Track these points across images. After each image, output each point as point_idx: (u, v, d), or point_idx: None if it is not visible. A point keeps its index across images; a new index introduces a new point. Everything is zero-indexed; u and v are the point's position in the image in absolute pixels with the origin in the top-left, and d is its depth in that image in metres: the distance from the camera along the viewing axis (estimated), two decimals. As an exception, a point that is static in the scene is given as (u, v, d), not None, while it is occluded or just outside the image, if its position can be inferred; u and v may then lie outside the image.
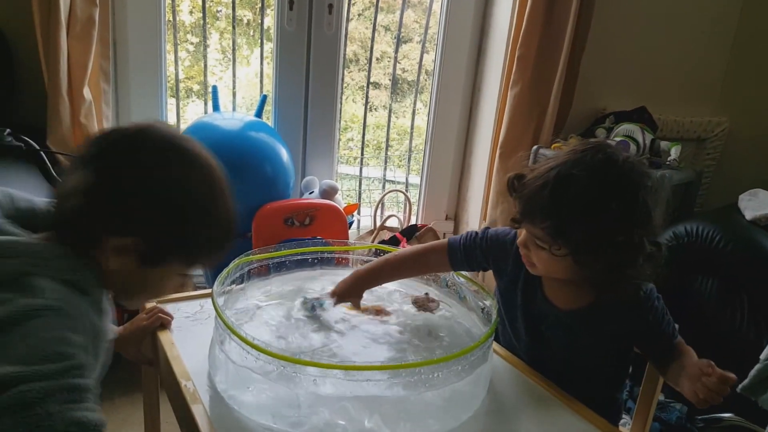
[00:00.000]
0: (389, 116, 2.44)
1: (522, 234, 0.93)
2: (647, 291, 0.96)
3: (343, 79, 2.12)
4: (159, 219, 0.67)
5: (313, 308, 1.03)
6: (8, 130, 1.21)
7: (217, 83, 1.98)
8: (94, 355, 0.64)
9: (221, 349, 0.82)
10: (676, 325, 0.99)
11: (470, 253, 1.05)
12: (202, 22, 2.13)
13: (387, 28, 2.85)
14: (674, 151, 1.78)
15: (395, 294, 1.15)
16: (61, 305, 0.61)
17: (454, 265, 1.07)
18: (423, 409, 0.80)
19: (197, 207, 0.69)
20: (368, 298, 1.09)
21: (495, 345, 1.03)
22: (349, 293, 1.05)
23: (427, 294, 1.12)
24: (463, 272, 1.09)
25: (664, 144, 1.82)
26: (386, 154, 2.49)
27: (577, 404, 0.90)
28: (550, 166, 0.88)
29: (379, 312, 1.05)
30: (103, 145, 0.68)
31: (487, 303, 0.98)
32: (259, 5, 2.17)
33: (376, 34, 2.29)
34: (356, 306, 1.05)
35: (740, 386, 1.44)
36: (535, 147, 1.84)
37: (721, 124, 2.10)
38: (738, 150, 2.12)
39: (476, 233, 1.07)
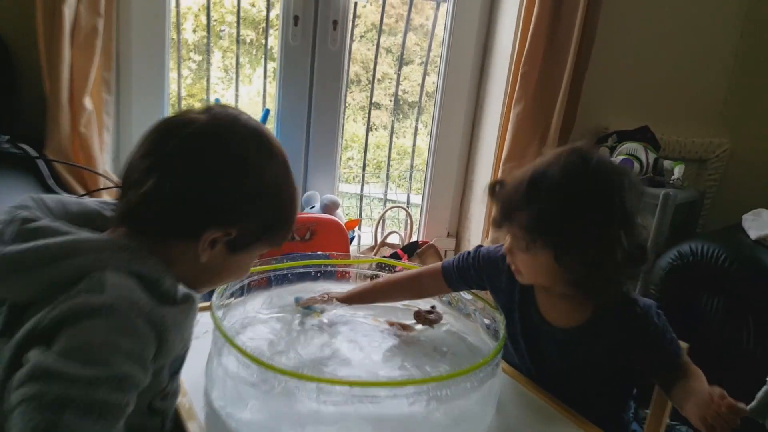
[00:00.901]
0: (391, 135, 2.45)
1: (506, 241, 0.93)
2: (645, 306, 0.94)
3: (346, 96, 2.12)
4: (253, 207, 0.67)
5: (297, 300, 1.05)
6: (6, 137, 1.19)
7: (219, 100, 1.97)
8: (155, 356, 0.60)
9: (219, 364, 0.79)
10: (684, 344, 0.97)
11: (464, 273, 1.05)
12: (205, 40, 2.14)
13: (388, 50, 2.88)
14: (677, 171, 1.77)
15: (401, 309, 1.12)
16: (119, 304, 0.57)
17: (452, 286, 1.07)
18: (430, 429, 0.77)
19: (281, 190, 0.69)
20: (375, 311, 1.06)
21: (504, 364, 1.00)
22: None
23: (433, 307, 1.09)
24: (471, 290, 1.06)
25: (667, 163, 1.81)
26: (387, 171, 2.48)
27: (588, 424, 0.87)
28: (527, 168, 0.90)
29: (404, 327, 1.02)
30: (185, 137, 0.65)
31: (496, 317, 0.95)
32: (262, 25, 2.18)
33: (374, 56, 2.31)
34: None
35: (747, 408, 1.41)
36: (538, 164, 1.83)
37: (723, 145, 2.10)
38: (739, 171, 2.11)
39: (468, 253, 1.07)
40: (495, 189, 0.93)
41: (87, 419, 0.50)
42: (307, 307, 1.05)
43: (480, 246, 1.07)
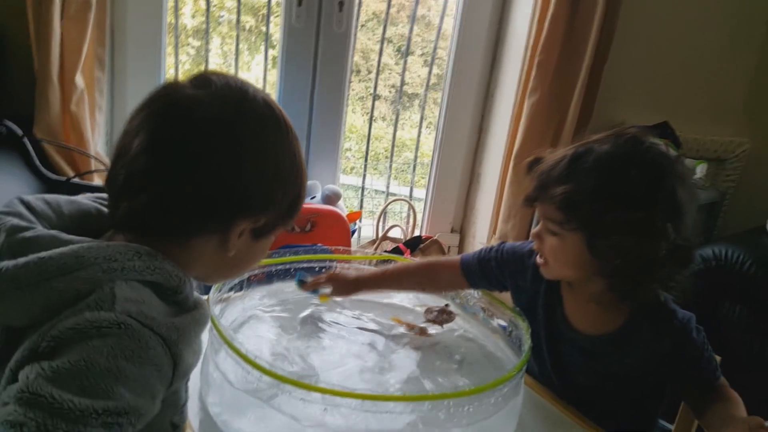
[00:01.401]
0: (395, 126, 2.37)
1: (537, 227, 0.86)
2: (684, 319, 0.85)
3: (350, 81, 2.03)
4: (279, 189, 0.60)
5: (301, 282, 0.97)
6: (-11, 113, 1.10)
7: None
8: (164, 385, 0.52)
9: (216, 367, 0.71)
10: (716, 357, 0.89)
11: (485, 267, 0.96)
12: (203, 26, 2.06)
13: (389, 41, 2.80)
14: (700, 170, 1.70)
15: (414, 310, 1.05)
16: (130, 322, 0.48)
17: (470, 280, 0.98)
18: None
19: (299, 166, 0.63)
20: (384, 310, 0.99)
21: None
22: (344, 286, 0.98)
23: (447, 305, 1.01)
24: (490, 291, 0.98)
25: (689, 162, 1.74)
26: (390, 163, 2.41)
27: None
28: (570, 146, 0.83)
29: (423, 332, 0.95)
30: (193, 125, 0.56)
31: (517, 323, 0.87)
32: (262, 12, 2.10)
33: (377, 46, 2.23)
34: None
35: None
36: (552, 159, 1.76)
37: (743, 144, 2.04)
38: (759, 172, 2.05)
39: (492, 247, 0.99)
40: (533, 164, 0.85)
41: None
42: (312, 291, 0.98)
43: (503, 242, 0.99)
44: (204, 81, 0.58)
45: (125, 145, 0.56)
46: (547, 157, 0.85)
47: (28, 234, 0.52)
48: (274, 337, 0.86)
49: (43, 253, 0.50)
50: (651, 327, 0.84)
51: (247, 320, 0.91)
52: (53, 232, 0.53)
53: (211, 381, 0.75)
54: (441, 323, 0.98)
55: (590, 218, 0.77)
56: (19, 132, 1.15)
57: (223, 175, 0.55)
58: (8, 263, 0.49)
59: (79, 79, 1.46)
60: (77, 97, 1.45)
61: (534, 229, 0.87)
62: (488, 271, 0.96)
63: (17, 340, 0.49)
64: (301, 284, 0.98)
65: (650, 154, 0.79)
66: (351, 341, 0.91)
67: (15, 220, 0.53)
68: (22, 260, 0.49)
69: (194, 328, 0.56)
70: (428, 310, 0.99)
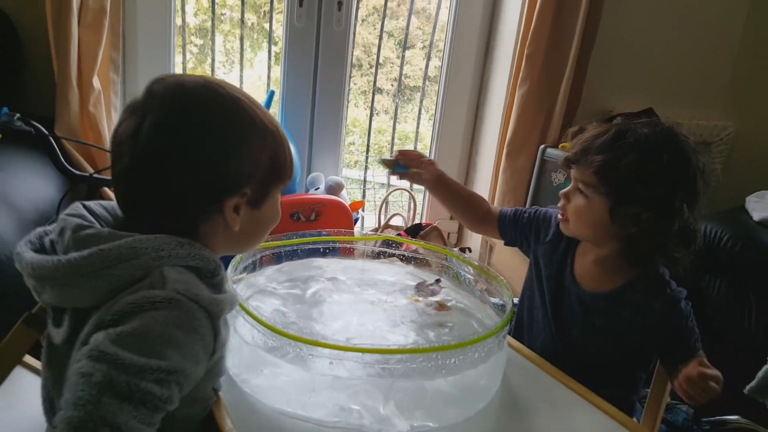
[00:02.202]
0: (395, 119, 2.45)
1: (567, 188, 0.98)
2: (675, 290, 0.96)
3: (350, 77, 2.12)
4: (256, 160, 0.65)
5: (396, 166, 1.08)
6: (17, 115, 1.20)
7: (224, 78, 1.97)
8: (207, 353, 0.60)
9: (235, 332, 0.81)
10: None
11: (519, 218, 1.11)
12: (208, 24, 2.13)
13: (390, 34, 2.86)
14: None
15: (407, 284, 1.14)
16: (180, 297, 0.57)
17: (500, 226, 1.13)
18: (438, 398, 0.79)
19: (268, 130, 0.66)
20: (383, 287, 1.08)
21: (509, 338, 1.02)
22: (432, 172, 1.10)
23: (438, 280, 1.11)
24: (483, 267, 1.07)
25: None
26: (392, 152, 2.48)
27: (594, 396, 0.89)
28: (614, 123, 0.95)
29: (441, 306, 1.04)
30: (162, 119, 0.62)
31: (504, 296, 0.97)
32: (263, 8, 2.18)
33: (378, 40, 2.30)
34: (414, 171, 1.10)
35: (748, 388, 1.43)
36: (542, 146, 1.84)
37: (727, 128, 2.10)
38: (743, 154, 2.12)
39: (528, 207, 1.15)
40: (577, 133, 0.98)
41: (126, 405, 0.51)
42: (398, 166, 1.08)
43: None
44: (148, 90, 0.64)
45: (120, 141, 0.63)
46: (589, 129, 0.97)
47: (89, 231, 0.61)
48: (285, 308, 0.96)
49: (104, 246, 0.59)
50: (645, 291, 0.95)
51: (260, 294, 1.00)
52: (110, 229, 0.62)
53: (230, 346, 0.84)
54: (431, 295, 1.08)
55: (620, 187, 0.90)
56: (45, 132, 1.25)
57: (201, 159, 0.62)
58: (75, 255, 0.59)
59: (96, 82, 1.55)
60: (95, 98, 1.55)
61: (564, 190, 0.99)
62: (519, 222, 1.11)
63: (84, 320, 0.59)
64: (383, 161, 1.09)
65: (681, 144, 0.91)
66: (354, 308, 1.00)
67: (78, 220, 0.62)
68: (86, 252, 0.58)
69: (228, 307, 0.65)
70: (421, 284, 1.09)
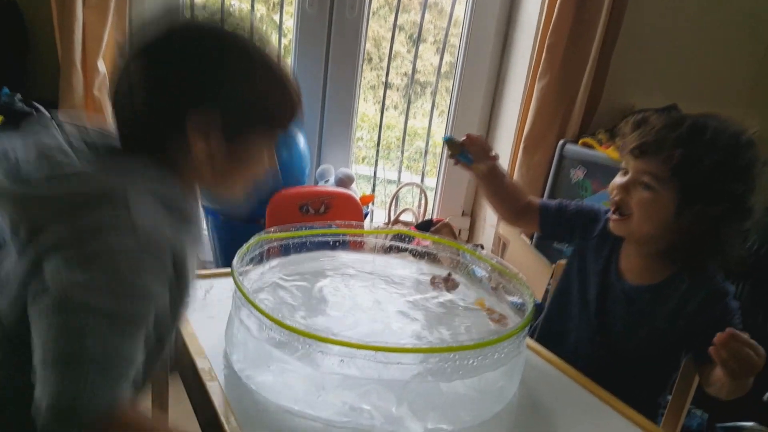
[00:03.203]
0: (407, 113, 2.40)
1: (624, 178, 0.92)
2: (724, 285, 0.93)
3: (363, 67, 2.07)
4: (228, 81, 0.63)
5: (461, 153, 1.01)
6: (18, 96, 1.16)
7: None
8: (175, 282, 0.61)
9: (240, 326, 0.77)
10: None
11: (563, 211, 1.06)
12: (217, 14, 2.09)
13: (400, 28, 2.81)
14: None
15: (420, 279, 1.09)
16: (143, 223, 0.56)
17: (542, 218, 1.07)
18: (453, 400, 0.74)
19: (258, 63, 0.65)
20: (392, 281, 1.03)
21: (528, 340, 0.97)
22: (482, 154, 1.04)
23: (449, 274, 1.06)
24: (501, 264, 1.02)
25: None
26: (402, 148, 2.44)
27: (613, 399, 0.84)
28: (673, 115, 0.91)
29: (502, 318, 0.98)
30: (149, 35, 0.65)
31: (524, 295, 0.92)
32: (273, 0, 2.13)
33: (388, 34, 2.26)
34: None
35: (767, 395, 1.37)
36: (561, 141, 1.79)
37: (752, 127, 2.03)
38: None
39: (572, 201, 1.10)
40: (641, 122, 0.92)
41: (111, 328, 0.51)
42: (463, 154, 1.02)
43: None
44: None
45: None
46: (652, 118, 0.92)
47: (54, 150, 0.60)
48: (293, 302, 0.92)
49: (63, 162, 0.58)
50: (691, 284, 0.92)
51: (268, 287, 0.96)
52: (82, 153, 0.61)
53: (235, 340, 0.80)
54: (447, 290, 1.03)
55: (696, 183, 0.85)
56: (47, 114, 1.21)
57: (161, 67, 0.62)
58: (40, 174, 0.57)
59: (101, 65, 1.51)
60: (99, 82, 1.51)
61: (620, 181, 0.93)
62: (563, 215, 1.06)
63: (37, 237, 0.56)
64: (451, 142, 1.02)
65: (751, 138, 0.89)
66: (365, 303, 0.96)
67: (47, 140, 0.61)
68: (47, 169, 0.57)
69: (191, 240, 0.64)
70: (433, 279, 1.04)
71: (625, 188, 0.92)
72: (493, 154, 1.05)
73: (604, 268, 1.00)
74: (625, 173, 0.93)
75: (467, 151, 1.02)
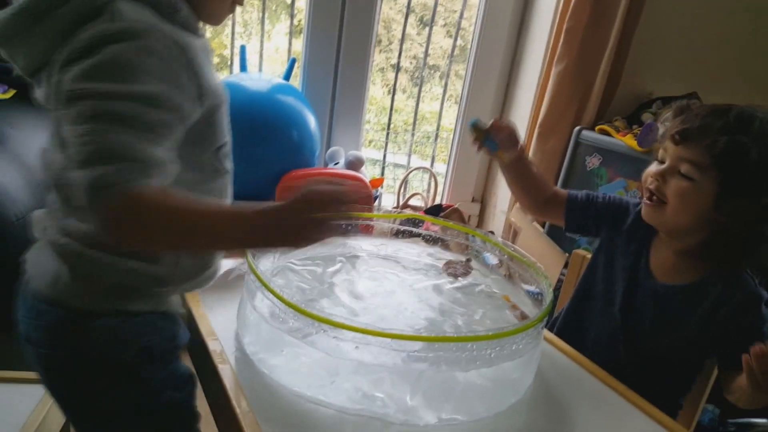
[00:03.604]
0: (418, 97, 2.36)
1: (661, 166, 0.89)
2: (759, 290, 0.89)
3: (375, 47, 2.03)
4: None
5: (486, 139, 0.97)
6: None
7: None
8: (198, 93, 0.62)
9: (253, 309, 0.76)
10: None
11: (591, 203, 1.02)
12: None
13: (411, 10, 2.76)
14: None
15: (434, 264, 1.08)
16: (138, 26, 0.57)
17: (568, 210, 1.03)
18: (469, 390, 0.73)
19: None
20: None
21: (545, 332, 0.96)
22: (509, 142, 0.99)
23: (468, 260, 1.04)
24: (517, 252, 1.00)
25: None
26: (413, 132, 2.42)
27: (631, 393, 0.83)
28: (724, 104, 0.86)
29: (524, 317, 0.97)
30: None
31: (541, 285, 0.90)
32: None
33: (398, 16, 2.21)
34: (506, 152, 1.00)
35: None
36: (577, 128, 1.75)
37: (771, 118, 2.00)
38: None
39: (600, 192, 1.06)
40: (684, 109, 0.89)
41: (124, 128, 0.54)
42: (488, 140, 0.97)
43: None
44: None
45: None
46: (694, 106, 0.89)
47: None
48: (305, 285, 0.91)
49: None
50: (726, 284, 0.88)
51: (281, 271, 0.95)
52: None
53: (248, 323, 0.79)
54: (459, 276, 1.01)
55: (739, 175, 0.81)
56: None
57: None
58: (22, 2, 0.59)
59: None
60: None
61: (656, 169, 0.89)
62: (591, 207, 1.02)
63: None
64: (476, 126, 0.97)
65: None
66: (377, 288, 0.95)
67: None
68: None
69: (201, 49, 0.64)
70: (448, 263, 1.02)
71: (661, 175, 0.88)
72: (521, 144, 1.01)
73: (633, 265, 0.96)
74: (661, 162, 0.90)
75: (493, 137, 0.98)
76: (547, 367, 0.87)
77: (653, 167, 0.91)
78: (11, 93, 1.28)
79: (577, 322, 1.03)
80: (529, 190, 1.06)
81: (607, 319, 0.98)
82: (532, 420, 0.77)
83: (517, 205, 1.97)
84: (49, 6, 0.59)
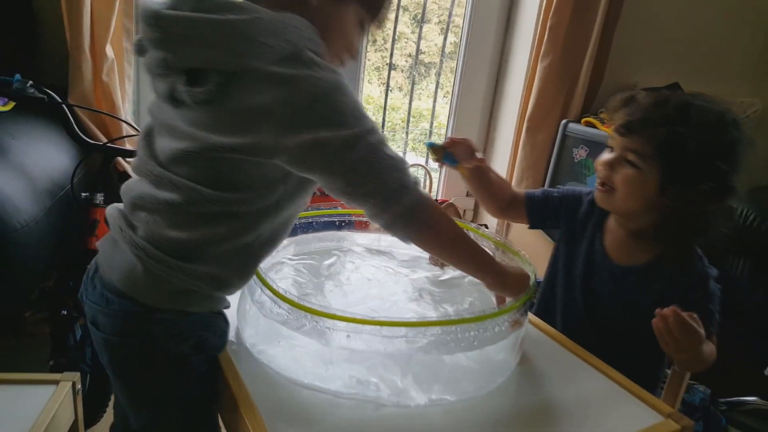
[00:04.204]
0: (411, 95, 2.40)
1: (610, 155, 0.94)
2: (706, 269, 0.94)
3: (369, 45, 2.07)
4: None
5: (445, 156, 1.02)
6: (30, 82, 1.18)
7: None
8: None
9: (252, 303, 0.80)
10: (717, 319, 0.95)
11: (548, 198, 1.08)
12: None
13: (405, 9, 2.79)
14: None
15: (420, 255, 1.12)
16: (338, 77, 0.66)
17: (528, 208, 1.09)
18: (456, 372, 0.77)
19: None
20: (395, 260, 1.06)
21: (530, 314, 1.00)
22: (467, 154, 1.04)
23: None
24: (506, 243, 1.04)
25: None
26: (407, 129, 2.45)
27: (612, 371, 0.87)
28: (660, 93, 0.91)
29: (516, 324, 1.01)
30: None
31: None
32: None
33: (392, 15, 2.25)
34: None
35: (768, 369, 1.40)
36: (564, 121, 1.80)
37: (754, 105, 2.04)
38: (771, 132, 2.06)
39: (555, 187, 1.12)
40: (629, 101, 0.94)
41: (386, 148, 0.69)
42: (447, 157, 1.02)
43: None
44: None
45: None
46: (639, 96, 0.93)
47: None
48: (301, 279, 0.95)
49: (261, 14, 0.65)
50: (676, 266, 0.93)
51: (276, 266, 0.99)
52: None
53: (248, 317, 0.83)
54: (443, 265, 1.06)
55: (681, 162, 0.86)
56: (58, 99, 1.23)
57: None
58: (235, 16, 0.63)
59: (109, 50, 1.53)
60: (108, 67, 1.53)
61: (606, 158, 0.95)
62: (548, 202, 1.08)
63: (228, 84, 0.64)
64: (433, 146, 1.02)
65: (736, 117, 0.89)
66: (371, 280, 0.99)
67: None
68: (247, 16, 0.64)
69: None
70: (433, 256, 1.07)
71: (610, 165, 0.93)
72: (479, 156, 1.05)
73: (590, 249, 1.01)
74: (612, 150, 0.95)
75: (451, 154, 1.03)
76: (533, 348, 0.91)
77: (604, 156, 0.96)
78: (11, 105, 1.32)
79: (546, 309, 1.08)
80: (492, 195, 1.10)
81: (571, 304, 1.03)
82: (519, 398, 0.81)
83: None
84: (258, 33, 0.65)
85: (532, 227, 1.11)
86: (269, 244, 0.77)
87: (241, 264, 0.75)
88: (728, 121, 0.88)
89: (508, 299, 0.83)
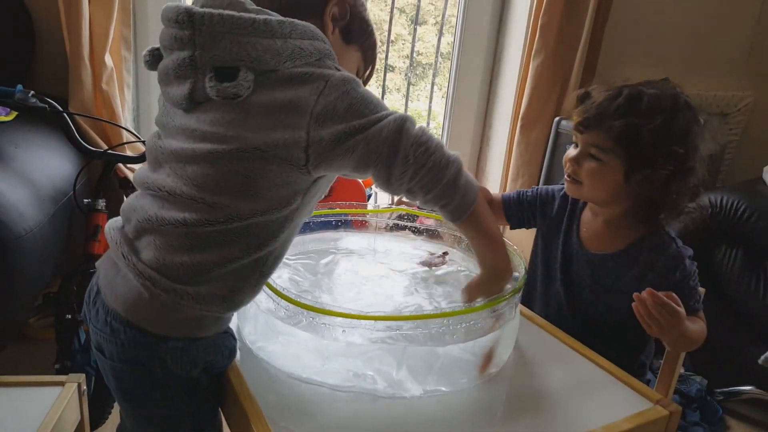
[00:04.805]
0: (407, 96, 2.43)
1: (575, 151, 0.97)
2: (681, 248, 0.97)
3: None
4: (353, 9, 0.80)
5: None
6: (32, 92, 1.21)
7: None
8: None
9: (252, 302, 0.82)
10: (701, 289, 0.98)
11: (523, 199, 1.12)
12: None
13: (402, 11, 2.82)
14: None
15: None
16: (352, 77, 0.69)
17: (506, 210, 1.12)
18: (450, 363, 0.80)
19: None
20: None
21: (521, 306, 1.03)
22: None
23: (445, 253, 1.11)
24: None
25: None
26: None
27: (601, 359, 0.90)
28: (618, 86, 0.94)
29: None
30: None
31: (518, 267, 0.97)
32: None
33: (388, 17, 2.27)
34: None
35: (762, 358, 1.42)
36: (557, 118, 1.82)
37: (745, 98, 2.06)
38: (761, 124, 2.08)
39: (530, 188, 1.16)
40: (584, 97, 0.97)
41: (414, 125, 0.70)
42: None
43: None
44: None
45: None
46: (594, 92, 0.96)
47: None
48: (298, 277, 0.98)
49: (294, 20, 0.69)
50: (651, 248, 0.96)
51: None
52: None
53: (247, 315, 0.86)
54: (430, 265, 1.09)
55: (639, 151, 0.89)
56: (59, 108, 1.26)
57: None
58: (270, 18, 0.67)
59: (108, 59, 1.55)
60: (107, 76, 1.56)
61: (571, 154, 0.98)
62: (523, 202, 1.12)
63: (265, 80, 0.66)
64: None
65: (687, 100, 0.92)
66: (367, 277, 1.01)
67: None
68: (280, 19, 0.68)
69: None
70: (425, 260, 1.10)
71: (575, 160, 0.97)
72: None
73: (566, 240, 1.04)
74: (576, 146, 0.98)
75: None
76: (525, 340, 0.93)
77: (570, 152, 0.99)
78: (13, 115, 1.34)
79: (528, 305, 1.10)
80: None
81: (552, 297, 1.06)
82: (511, 388, 0.83)
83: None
84: (290, 34, 0.69)
85: (512, 228, 1.15)
86: (279, 258, 0.77)
87: (254, 282, 0.74)
88: (681, 105, 0.91)
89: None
